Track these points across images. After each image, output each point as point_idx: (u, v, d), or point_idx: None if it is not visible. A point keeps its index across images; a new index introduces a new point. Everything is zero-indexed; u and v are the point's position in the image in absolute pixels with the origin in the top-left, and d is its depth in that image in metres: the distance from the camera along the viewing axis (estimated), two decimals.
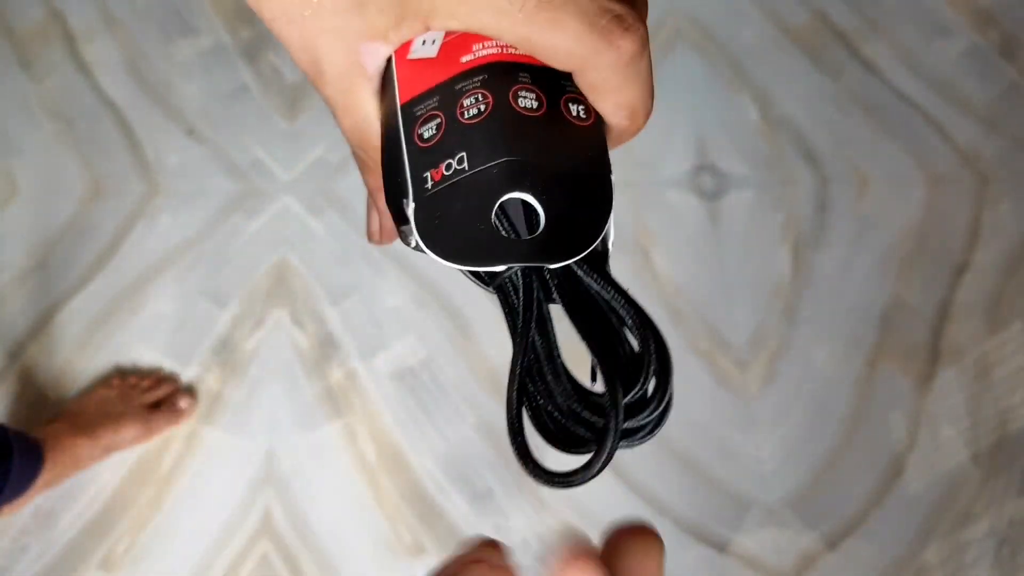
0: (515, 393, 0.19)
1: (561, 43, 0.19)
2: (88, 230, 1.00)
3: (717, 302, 1.02)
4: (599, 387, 0.20)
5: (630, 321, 0.19)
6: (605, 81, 0.19)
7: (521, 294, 0.20)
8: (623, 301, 0.20)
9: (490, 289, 0.21)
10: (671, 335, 1.01)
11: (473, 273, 0.21)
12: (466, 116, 0.19)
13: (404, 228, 0.20)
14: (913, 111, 1.12)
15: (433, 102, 0.20)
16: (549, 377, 0.20)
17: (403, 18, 0.19)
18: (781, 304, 1.03)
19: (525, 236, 0.19)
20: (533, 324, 0.19)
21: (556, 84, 0.20)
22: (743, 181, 1.08)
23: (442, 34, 0.20)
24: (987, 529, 0.95)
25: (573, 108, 0.20)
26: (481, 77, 0.20)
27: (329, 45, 0.20)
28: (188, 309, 0.98)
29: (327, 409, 0.95)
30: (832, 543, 0.94)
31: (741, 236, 1.05)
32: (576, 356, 0.22)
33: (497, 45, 0.20)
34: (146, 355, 0.96)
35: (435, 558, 0.90)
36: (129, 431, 0.88)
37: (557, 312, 0.20)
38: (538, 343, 0.20)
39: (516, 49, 0.20)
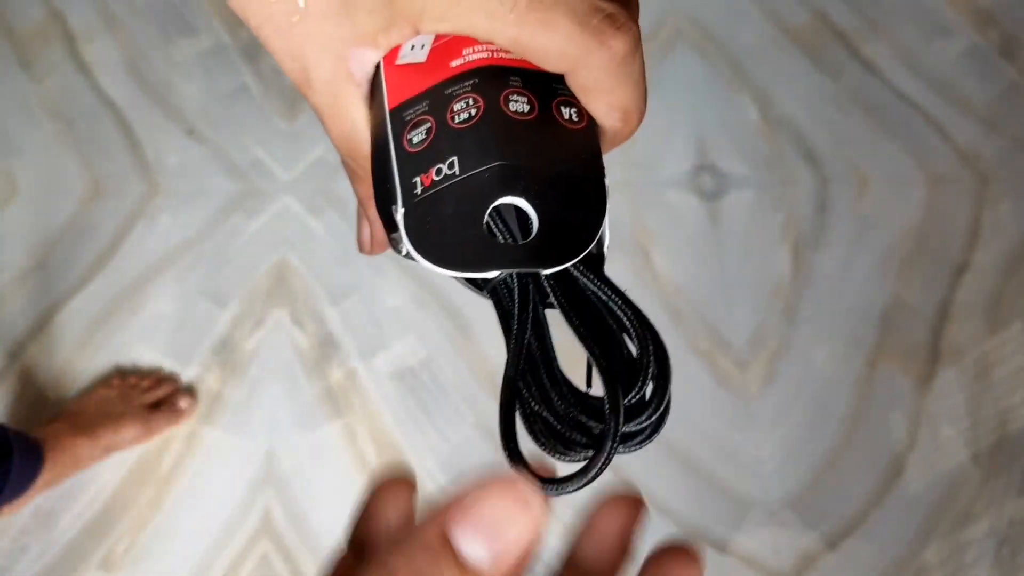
0: (508, 398, 0.19)
1: (552, 43, 0.18)
2: (88, 230, 1.00)
3: (717, 302, 1.02)
4: (595, 391, 0.19)
5: (628, 324, 0.19)
6: (597, 82, 0.19)
7: (516, 298, 0.19)
8: (621, 303, 0.19)
9: (484, 294, 0.20)
10: (671, 335, 1.01)
11: (466, 279, 0.20)
12: (456, 121, 0.19)
13: (394, 235, 0.20)
14: (913, 111, 1.12)
15: (423, 107, 0.20)
16: (546, 381, 0.19)
17: (392, 22, 0.19)
18: (781, 304, 1.03)
19: (520, 239, 0.19)
20: (529, 328, 0.19)
21: (548, 88, 0.20)
22: (743, 181, 1.08)
23: (431, 38, 0.20)
24: (987, 529, 0.95)
25: (565, 111, 0.20)
26: (471, 81, 0.19)
27: (317, 51, 0.19)
28: (188, 309, 0.98)
29: (327, 409, 0.95)
30: (832, 543, 0.94)
31: (741, 236, 1.05)
32: (572, 360, 0.22)
33: (487, 49, 0.20)
34: (146, 355, 0.96)
35: None
36: (129, 431, 0.88)
37: (553, 315, 0.20)
38: (534, 347, 0.19)
39: (507, 53, 0.20)
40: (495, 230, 0.19)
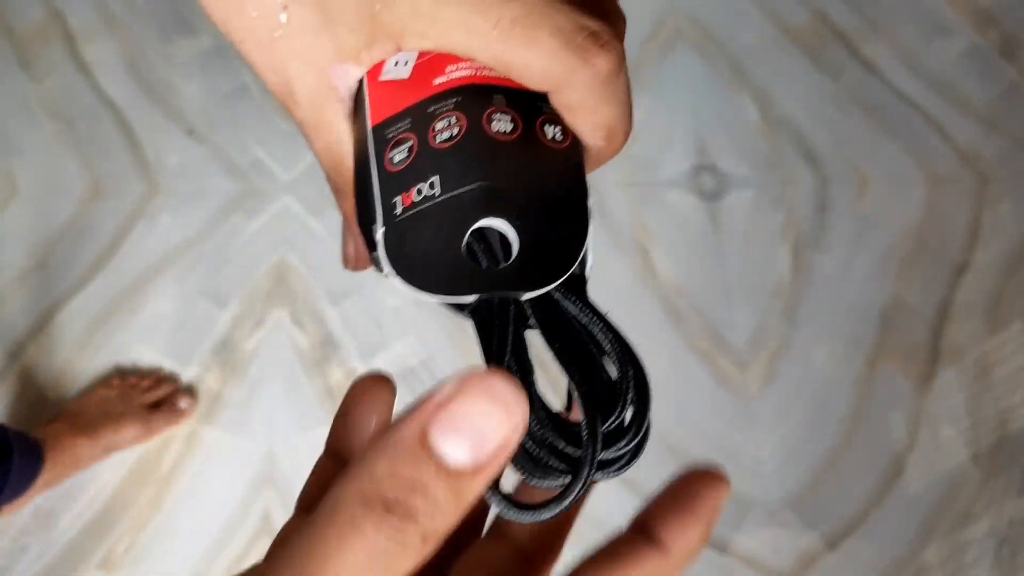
0: None
1: (536, 61, 0.18)
2: (88, 230, 1.00)
3: (717, 302, 1.02)
4: (574, 415, 0.19)
5: (609, 348, 0.19)
6: (581, 100, 0.19)
7: (496, 320, 0.19)
8: (602, 327, 0.19)
9: (465, 315, 0.20)
10: (671, 335, 1.01)
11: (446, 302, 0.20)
12: (438, 140, 0.19)
13: (375, 255, 0.19)
14: (913, 111, 1.12)
15: (405, 125, 0.19)
16: None
17: (374, 39, 0.19)
18: (781, 304, 1.03)
19: (501, 261, 0.19)
20: (508, 351, 0.19)
21: (532, 106, 0.20)
22: (743, 181, 1.08)
23: (415, 55, 0.20)
24: (987, 529, 0.95)
25: (549, 130, 0.20)
26: (454, 99, 0.19)
27: (299, 67, 0.19)
28: (188, 309, 0.98)
29: (327, 409, 0.95)
30: (832, 543, 0.94)
31: (741, 236, 1.05)
32: (553, 378, 0.21)
33: (471, 67, 0.19)
34: (146, 355, 0.96)
35: None
36: (129, 431, 0.88)
37: (534, 334, 0.20)
38: (514, 370, 0.19)
39: (491, 71, 0.19)
40: (476, 252, 0.19)
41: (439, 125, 0.19)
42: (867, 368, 1.01)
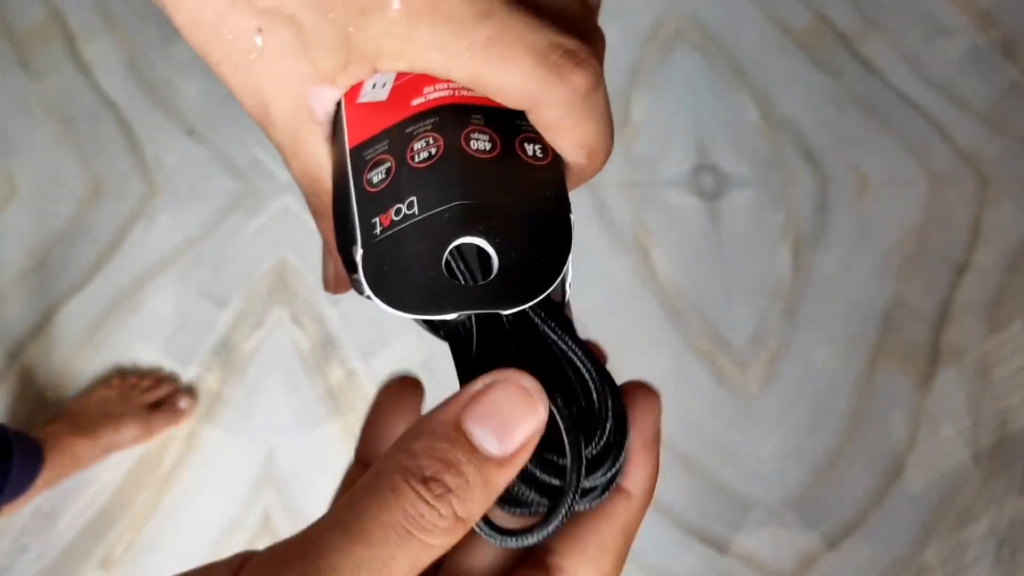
0: None
1: (512, 80, 0.18)
2: (88, 230, 1.00)
3: (717, 302, 1.02)
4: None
5: (586, 373, 0.19)
6: (559, 119, 0.19)
7: (474, 341, 0.19)
8: (579, 352, 0.19)
9: (440, 335, 0.20)
10: (671, 335, 1.01)
11: (423, 320, 0.20)
12: (416, 160, 0.19)
13: (355, 276, 0.19)
14: (913, 111, 1.12)
15: (383, 146, 0.19)
16: None
17: (349, 61, 0.19)
18: (781, 304, 1.03)
19: (481, 280, 0.18)
20: (485, 366, 0.18)
21: (511, 124, 0.20)
22: (743, 181, 1.08)
23: (393, 76, 0.19)
24: (987, 529, 0.95)
25: (529, 148, 0.20)
26: (432, 120, 0.19)
27: (276, 89, 0.19)
28: (188, 309, 0.98)
29: (327, 409, 0.95)
30: (832, 543, 0.94)
31: (741, 236, 1.05)
32: None
33: (449, 87, 0.19)
34: (146, 355, 0.96)
35: None
36: (129, 431, 0.88)
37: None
38: None
39: (469, 91, 0.19)
40: (456, 270, 0.19)
41: (417, 145, 0.19)
42: (867, 368, 1.01)
